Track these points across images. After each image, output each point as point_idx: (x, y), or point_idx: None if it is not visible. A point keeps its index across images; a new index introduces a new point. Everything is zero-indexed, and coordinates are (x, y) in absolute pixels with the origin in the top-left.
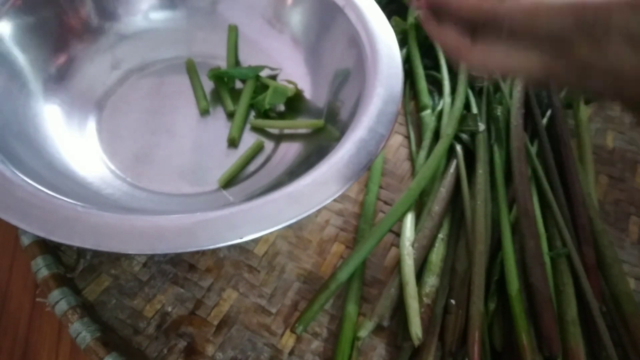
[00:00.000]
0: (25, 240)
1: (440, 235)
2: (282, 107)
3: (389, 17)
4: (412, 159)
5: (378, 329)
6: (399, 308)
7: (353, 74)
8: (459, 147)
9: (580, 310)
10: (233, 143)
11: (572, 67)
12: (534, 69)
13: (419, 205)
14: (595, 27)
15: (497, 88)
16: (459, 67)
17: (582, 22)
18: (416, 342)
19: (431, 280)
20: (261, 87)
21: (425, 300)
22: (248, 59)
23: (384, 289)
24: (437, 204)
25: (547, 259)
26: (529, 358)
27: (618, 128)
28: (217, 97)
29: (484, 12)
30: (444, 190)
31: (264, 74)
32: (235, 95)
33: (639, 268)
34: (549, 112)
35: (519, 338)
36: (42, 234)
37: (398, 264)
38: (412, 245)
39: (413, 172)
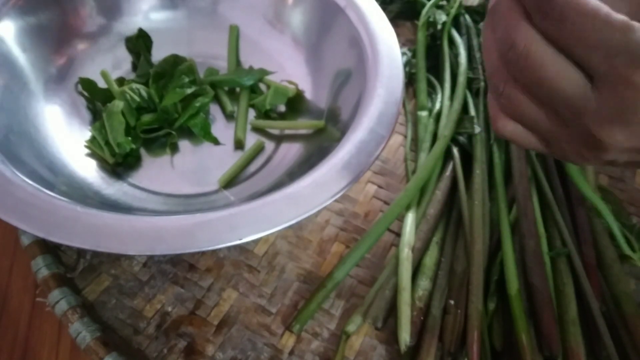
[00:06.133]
0: (25, 240)
1: (435, 239)
2: (282, 108)
3: (390, 17)
4: (405, 159)
5: (378, 329)
6: (395, 308)
7: (354, 75)
8: (455, 150)
9: (580, 310)
10: (240, 145)
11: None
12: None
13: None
14: None
15: None
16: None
17: None
18: (403, 347)
19: (424, 284)
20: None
21: (418, 303)
22: (249, 59)
23: (379, 290)
24: (433, 206)
25: (547, 259)
26: (529, 358)
27: None
28: (214, 98)
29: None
30: (439, 193)
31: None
32: (234, 96)
33: (639, 268)
34: None
35: (518, 338)
36: (41, 235)
37: (395, 265)
38: (412, 250)
39: (407, 174)
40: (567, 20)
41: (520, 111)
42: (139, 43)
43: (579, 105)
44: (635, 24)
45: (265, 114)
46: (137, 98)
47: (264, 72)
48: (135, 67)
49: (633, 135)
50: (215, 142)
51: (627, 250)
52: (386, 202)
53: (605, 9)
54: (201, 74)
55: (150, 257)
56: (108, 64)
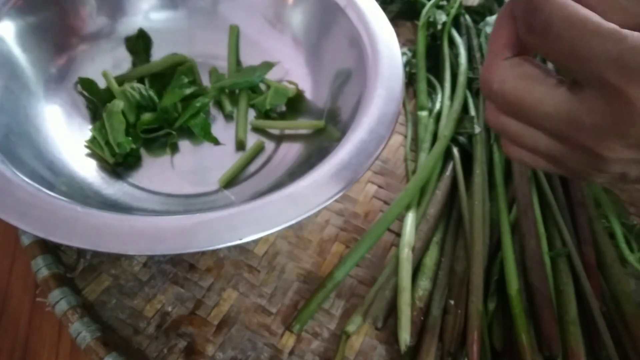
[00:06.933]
0: (25, 240)
1: (435, 239)
2: (283, 108)
3: (390, 17)
4: (405, 159)
5: (378, 329)
6: (395, 308)
7: (354, 75)
8: (455, 150)
9: (580, 310)
10: (241, 145)
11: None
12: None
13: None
14: None
15: None
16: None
17: None
18: (403, 347)
19: (424, 284)
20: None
21: (418, 303)
22: (249, 59)
23: (379, 290)
24: (433, 206)
25: (547, 259)
26: (529, 358)
27: None
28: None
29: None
30: (439, 193)
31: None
32: (234, 96)
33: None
34: None
35: (518, 338)
36: (41, 235)
37: (395, 265)
38: (412, 250)
39: (407, 174)
40: (551, 33)
41: (519, 139)
42: (139, 43)
43: (571, 124)
44: (627, 32)
45: (265, 114)
46: (137, 96)
47: (268, 66)
48: (135, 67)
49: (633, 147)
50: (215, 142)
51: (626, 251)
52: (386, 202)
53: (595, 17)
54: (201, 74)
55: (150, 257)
56: (108, 64)
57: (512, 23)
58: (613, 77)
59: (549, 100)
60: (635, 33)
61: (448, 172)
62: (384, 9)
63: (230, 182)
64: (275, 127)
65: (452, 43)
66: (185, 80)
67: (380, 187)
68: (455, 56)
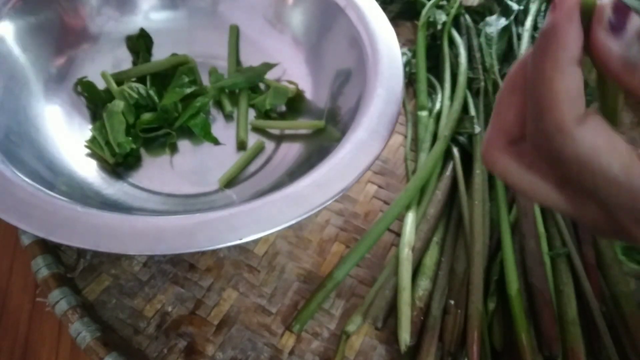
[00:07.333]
0: (25, 240)
1: (435, 239)
2: (283, 108)
3: (390, 17)
4: (405, 159)
5: (378, 329)
6: (395, 308)
7: (354, 75)
8: (455, 150)
9: (580, 310)
10: (242, 145)
11: (607, 229)
12: (556, 207)
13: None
14: None
15: (496, 89)
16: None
17: None
18: (403, 347)
19: (424, 284)
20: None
21: (418, 303)
22: (249, 59)
23: (379, 290)
24: (433, 206)
25: (547, 259)
26: (529, 358)
27: (618, 128)
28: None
29: (546, 121)
30: (439, 192)
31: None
32: (233, 96)
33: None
34: None
35: (519, 338)
36: (41, 234)
37: (395, 265)
38: (412, 250)
39: (407, 174)
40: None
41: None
42: (140, 43)
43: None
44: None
45: (265, 114)
46: (135, 95)
47: (268, 66)
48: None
49: None
50: (215, 142)
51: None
52: (386, 202)
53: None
54: (201, 74)
55: (150, 257)
56: (108, 64)
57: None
58: (625, 219)
59: (552, 197)
60: None
61: (448, 172)
62: (384, 9)
63: (230, 182)
64: (275, 127)
65: (452, 43)
66: (186, 79)
67: (380, 187)
68: (455, 56)
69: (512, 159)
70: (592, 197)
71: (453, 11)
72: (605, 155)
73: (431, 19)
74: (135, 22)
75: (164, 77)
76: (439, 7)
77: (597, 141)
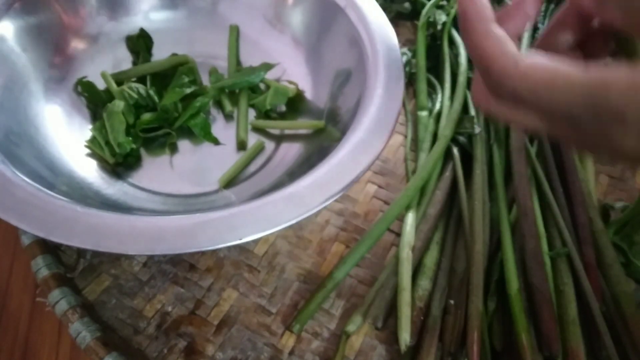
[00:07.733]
0: (25, 240)
1: (435, 239)
2: (283, 108)
3: (390, 17)
4: (405, 159)
5: (378, 329)
6: (395, 308)
7: (354, 75)
8: (455, 150)
9: (580, 310)
10: (242, 145)
11: (578, 140)
12: (539, 130)
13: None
14: (610, 115)
15: None
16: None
17: (596, 108)
18: (403, 347)
19: (425, 284)
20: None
21: (418, 303)
22: (249, 59)
23: (379, 290)
24: (433, 206)
25: (547, 259)
26: (529, 358)
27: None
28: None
29: (492, 74)
30: (439, 192)
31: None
32: (233, 96)
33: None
34: None
35: (518, 338)
36: (41, 234)
37: (395, 265)
38: (412, 250)
39: (407, 174)
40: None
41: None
42: (140, 43)
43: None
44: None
45: (265, 114)
46: (135, 95)
47: (268, 66)
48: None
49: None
50: (216, 142)
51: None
52: (386, 202)
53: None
54: (201, 74)
55: (150, 257)
56: (108, 64)
57: None
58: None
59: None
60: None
61: (448, 172)
62: (384, 9)
63: (230, 182)
64: (275, 127)
65: (452, 43)
66: (186, 79)
67: (380, 187)
68: (455, 56)
69: (492, 99)
70: (555, 115)
71: (453, 11)
72: (552, 77)
73: (431, 19)
74: (135, 22)
75: (164, 77)
76: (439, 7)
77: (537, 73)
